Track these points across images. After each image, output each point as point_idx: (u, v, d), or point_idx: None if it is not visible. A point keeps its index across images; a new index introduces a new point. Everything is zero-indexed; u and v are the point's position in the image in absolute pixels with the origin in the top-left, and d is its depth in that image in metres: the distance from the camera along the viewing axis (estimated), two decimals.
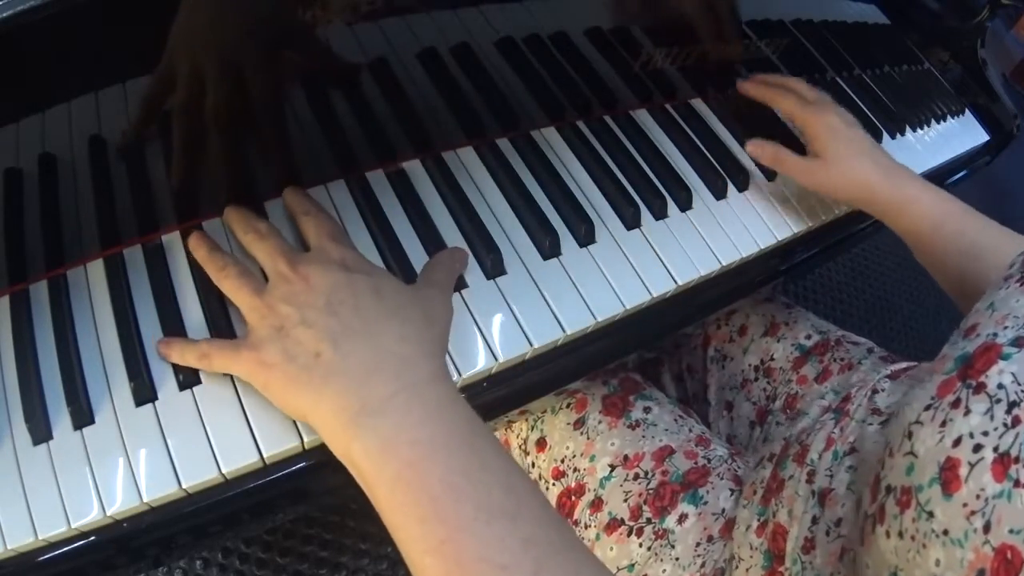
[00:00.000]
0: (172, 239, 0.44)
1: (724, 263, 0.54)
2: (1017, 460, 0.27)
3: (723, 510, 0.54)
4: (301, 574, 0.90)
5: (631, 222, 0.53)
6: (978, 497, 0.28)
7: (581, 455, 0.59)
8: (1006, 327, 0.32)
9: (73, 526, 0.35)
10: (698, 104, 0.65)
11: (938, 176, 0.76)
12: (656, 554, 0.53)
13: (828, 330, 0.70)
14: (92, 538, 0.36)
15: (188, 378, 0.39)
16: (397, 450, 0.33)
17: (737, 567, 0.50)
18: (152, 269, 0.43)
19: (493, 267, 0.47)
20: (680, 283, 0.52)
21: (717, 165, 0.60)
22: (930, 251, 0.54)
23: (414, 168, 0.51)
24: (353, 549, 0.93)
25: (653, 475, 0.56)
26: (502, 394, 0.46)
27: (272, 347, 0.36)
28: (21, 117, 0.35)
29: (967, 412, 0.30)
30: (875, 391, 0.49)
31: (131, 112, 0.38)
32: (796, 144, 0.60)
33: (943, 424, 0.31)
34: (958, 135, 0.82)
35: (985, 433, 0.29)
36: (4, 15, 0.29)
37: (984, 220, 0.53)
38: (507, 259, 0.48)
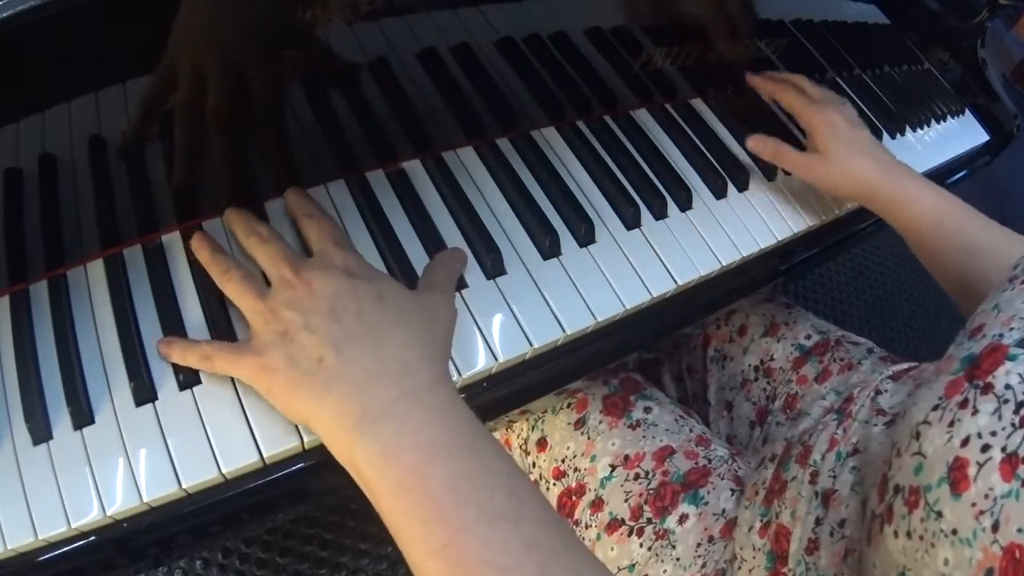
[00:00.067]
0: (172, 239, 0.44)
1: (724, 263, 0.54)
2: None
3: (724, 510, 0.54)
4: (301, 574, 0.90)
5: (631, 222, 0.53)
6: (986, 497, 0.28)
7: (582, 455, 0.59)
8: (1012, 328, 0.32)
9: (73, 526, 0.35)
10: (698, 104, 0.65)
11: (938, 176, 0.76)
12: (657, 554, 0.53)
13: (828, 330, 0.70)
14: (92, 538, 0.36)
15: (188, 378, 0.39)
16: (399, 455, 0.34)
17: (739, 568, 0.50)
18: (152, 269, 0.43)
19: (493, 267, 0.47)
20: (680, 283, 0.52)
21: (717, 165, 0.60)
22: (929, 249, 0.54)
23: (414, 168, 0.51)
24: (353, 549, 0.93)
25: (654, 475, 0.56)
26: (502, 394, 0.46)
27: (276, 352, 0.36)
28: (21, 117, 0.35)
29: (975, 412, 0.30)
30: (878, 392, 0.49)
31: (131, 112, 0.38)
32: (796, 143, 0.60)
33: (951, 424, 0.31)
34: (958, 135, 0.82)
35: (993, 433, 0.29)
36: (4, 15, 0.29)
37: (984, 219, 0.53)
38: (507, 259, 0.48)
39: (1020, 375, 0.30)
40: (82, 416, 0.37)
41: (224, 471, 0.37)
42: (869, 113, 0.74)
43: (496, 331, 0.45)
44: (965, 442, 0.30)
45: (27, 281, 0.41)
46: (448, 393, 0.37)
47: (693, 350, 0.78)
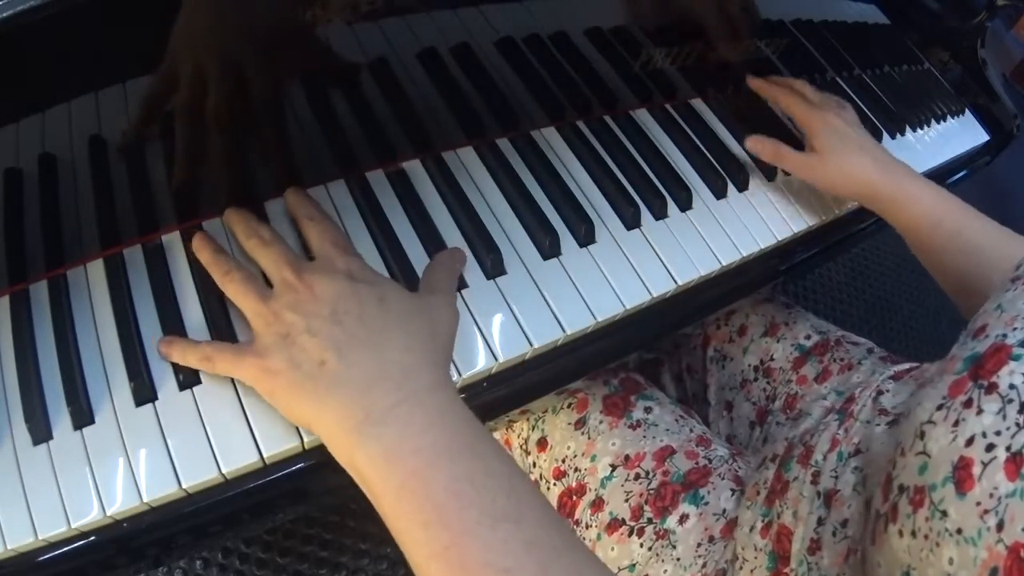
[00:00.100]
0: (172, 239, 0.44)
1: (724, 263, 0.54)
2: None
3: (724, 510, 0.54)
4: (301, 574, 0.90)
5: (631, 222, 0.53)
6: (991, 496, 0.28)
7: (582, 455, 0.59)
8: (1015, 328, 0.32)
9: (73, 526, 0.35)
10: (698, 104, 0.65)
11: (938, 176, 0.76)
12: (657, 554, 0.53)
13: (828, 330, 0.70)
14: (92, 538, 0.36)
15: (188, 378, 0.39)
16: (401, 459, 0.34)
17: (740, 568, 0.50)
18: (152, 269, 0.43)
19: (493, 267, 0.47)
20: (680, 283, 0.52)
21: (717, 165, 0.60)
22: (928, 248, 0.54)
23: (414, 168, 0.51)
24: (353, 549, 0.93)
25: (654, 475, 0.56)
26: (502, 394, 0.46)
27: (278, 354, 0.36)
28: (21, 117, 0.35)
29: (979, 412, 0.30)
30: (879, 392, 0.49)
31: (131, 112, 0.38)
32: (796, 143, 0.60)
33: (956, 424, 0.31)
34: (958, 135, 0.82)
35: (998, 433, 0.29)
36: (4, 15, 0.29)
37: (983, 219, 0.53)
38: (507, 259, 0.48)
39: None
40: (82, 416, 0.37)
41: (224, 471, 0.37)
42: (869, 113, 0.74)
43: (496, 331, 0.45)
44: (970, 442, 0.30)
45: (27, 281, 0.41)
46: (449, 396, 0.37)
47: (693, 350, 0.78)
